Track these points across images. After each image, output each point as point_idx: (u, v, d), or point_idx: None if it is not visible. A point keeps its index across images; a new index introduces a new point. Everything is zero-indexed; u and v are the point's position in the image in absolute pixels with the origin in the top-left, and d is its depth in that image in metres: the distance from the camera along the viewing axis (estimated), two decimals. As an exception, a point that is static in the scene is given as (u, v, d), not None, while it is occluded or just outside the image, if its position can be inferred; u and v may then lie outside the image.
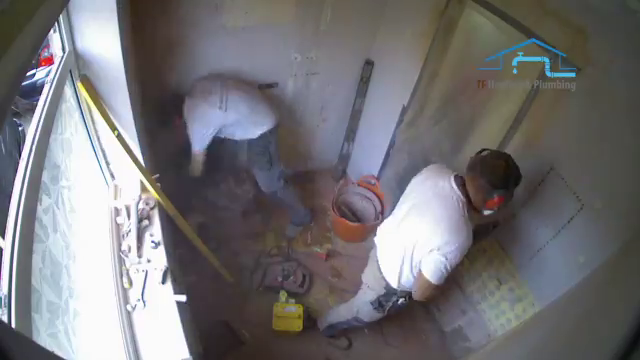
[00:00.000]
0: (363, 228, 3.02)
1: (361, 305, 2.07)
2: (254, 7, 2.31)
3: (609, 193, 1.50)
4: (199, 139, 2.34)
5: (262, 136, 2.46)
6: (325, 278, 2.87)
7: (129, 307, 1.58)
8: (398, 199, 1.82)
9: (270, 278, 2.76)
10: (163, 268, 1.73)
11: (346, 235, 3.14)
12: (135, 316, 1.58)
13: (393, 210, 1.85)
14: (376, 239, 1.94)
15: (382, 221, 1.97)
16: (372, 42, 2.75)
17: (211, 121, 2.30)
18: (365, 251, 3.07)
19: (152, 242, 1.81)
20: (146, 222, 1.89)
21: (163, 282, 1.70)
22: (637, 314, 0.42)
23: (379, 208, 3.07)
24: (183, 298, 1.67)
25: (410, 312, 2.66)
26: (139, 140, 1.90)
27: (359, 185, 3.17)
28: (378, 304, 1.94)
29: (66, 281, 1.24)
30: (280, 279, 2.75)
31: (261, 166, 2.61)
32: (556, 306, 0.92)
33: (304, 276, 2.80)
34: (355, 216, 3.14)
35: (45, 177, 1.19)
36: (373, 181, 3.10)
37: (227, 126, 2.35)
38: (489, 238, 2.09)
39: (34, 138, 1.14)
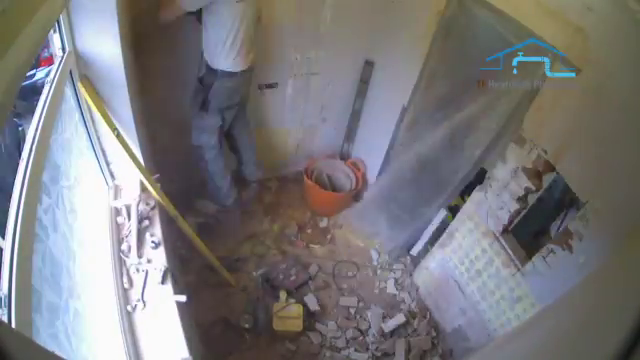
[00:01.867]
0: (334, 197, 3.17)
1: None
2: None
3: (609, 193, 1.50)
4: None
5: (215, 73, 2.18)
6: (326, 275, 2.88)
7: (129, 307, 1.58)
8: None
9: (271, 277, 2.76)
10: (163, 268, 1.73)
11: (317, 203, 3.23)
12: (135, 316, 1.58)
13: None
14: None
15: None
16: (372, 42, 2.75)
17: None
18: (366, 254, 3.08)
19: (152, 242, 1.81)
20: (146, 222, 1.89)
21: (163, 282, 1.70)
22: (637, 314, 0.42)
23: (353, 186, 3.19)
24: (183, 298, 1.67)
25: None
26: (139, 140, 1.90)
27: (345, 163, 3.29)
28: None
29: (66, 281, 1.24)
30: (281, 277, 2.75)
31: (192, 108, 2.32)
32: (556, 306, 0.92)
33: (306, 274, 2.80)
34: (333, 189, 3.24)
35: (45, 177, 1.19)
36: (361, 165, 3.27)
37: (214, 15, 2.02)
38: (490, 237, 2.10)
39: (34, 138, 1.14)
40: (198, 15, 2.08)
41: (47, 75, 1.38)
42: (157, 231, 1.87)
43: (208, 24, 2.09)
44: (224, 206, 2.78)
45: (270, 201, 3.24)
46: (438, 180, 2.47)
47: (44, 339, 1.02)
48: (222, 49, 2.13)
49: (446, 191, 2.42)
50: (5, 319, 0.83)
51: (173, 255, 2.15)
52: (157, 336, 1.54)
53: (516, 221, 1.98)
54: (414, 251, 2.88)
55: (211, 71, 2.22)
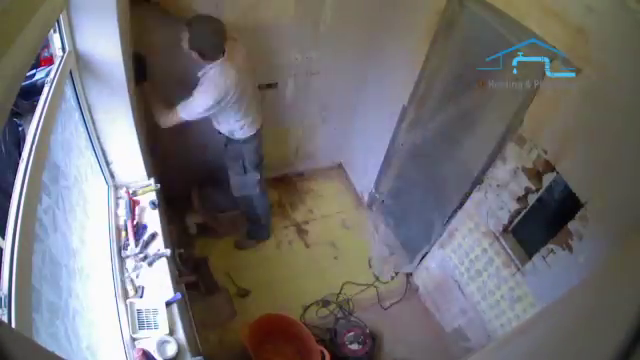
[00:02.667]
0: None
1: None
2: (254, 7, 2.31)
3: (609, 193, 1.50)
4: (196, 107, 2.03)
5: (238, 141, 2.36)
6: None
7: (129, 306, 1.59)
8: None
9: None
10: (163, 267, 1.73)
11: None
12: (135, 315, 1.58)
13: None
14: None
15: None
16: (372, 42, 2.75)
17: (222, 94, 2.02)
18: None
19: (152, 242, 1.81)
20: (146, 222, 1.89)
21: (163, 280, 1.71)
22: (637, 314, 0.42)
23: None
24: (180, 295, 1.68)
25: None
26: (139, 140, 1.90)
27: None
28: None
29: (66, 281, 1.24)
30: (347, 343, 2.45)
31: (236, 171, 2.51)
32: (556, 306, 0.92)
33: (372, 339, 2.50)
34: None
35: (45, 177, 1.19)
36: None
37: (222, 109, 2.11)
38: (490, 237, 2.10)
39: (34, 138, 1.14)
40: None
41: (47, 75, 1.38)
42: (157, 230, 1.87)
43: (217, 114, 2.18)
44: (264, 239, 3.01)
45: (270, 201, 3.24)
46: (447, 182, 2.46)
47: (44, 339, 1.02)
48: (236, 124, 2.28)
49: (459, 191, 2.40)
50: (5, 319, 0.83)
51: (173, 254, 2.15)
52: (156, 333, 1.54)
53: (516, 221, 1.98)
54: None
55: (233, 140, 2.38)
